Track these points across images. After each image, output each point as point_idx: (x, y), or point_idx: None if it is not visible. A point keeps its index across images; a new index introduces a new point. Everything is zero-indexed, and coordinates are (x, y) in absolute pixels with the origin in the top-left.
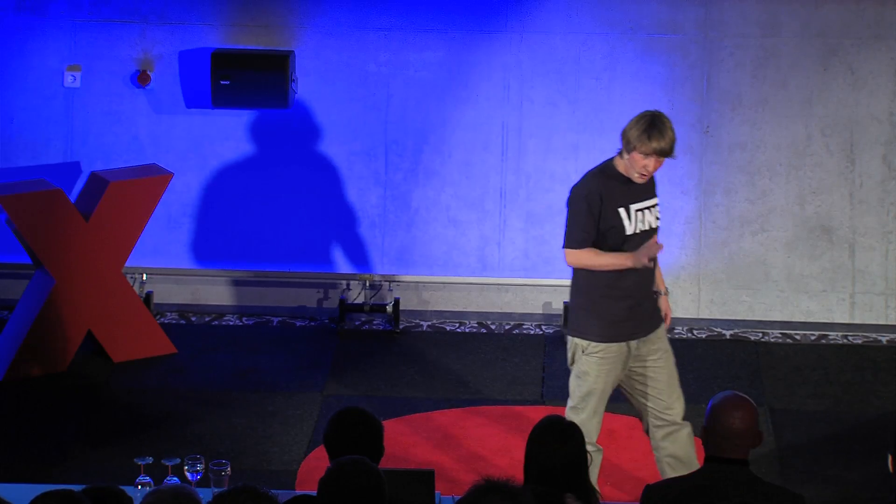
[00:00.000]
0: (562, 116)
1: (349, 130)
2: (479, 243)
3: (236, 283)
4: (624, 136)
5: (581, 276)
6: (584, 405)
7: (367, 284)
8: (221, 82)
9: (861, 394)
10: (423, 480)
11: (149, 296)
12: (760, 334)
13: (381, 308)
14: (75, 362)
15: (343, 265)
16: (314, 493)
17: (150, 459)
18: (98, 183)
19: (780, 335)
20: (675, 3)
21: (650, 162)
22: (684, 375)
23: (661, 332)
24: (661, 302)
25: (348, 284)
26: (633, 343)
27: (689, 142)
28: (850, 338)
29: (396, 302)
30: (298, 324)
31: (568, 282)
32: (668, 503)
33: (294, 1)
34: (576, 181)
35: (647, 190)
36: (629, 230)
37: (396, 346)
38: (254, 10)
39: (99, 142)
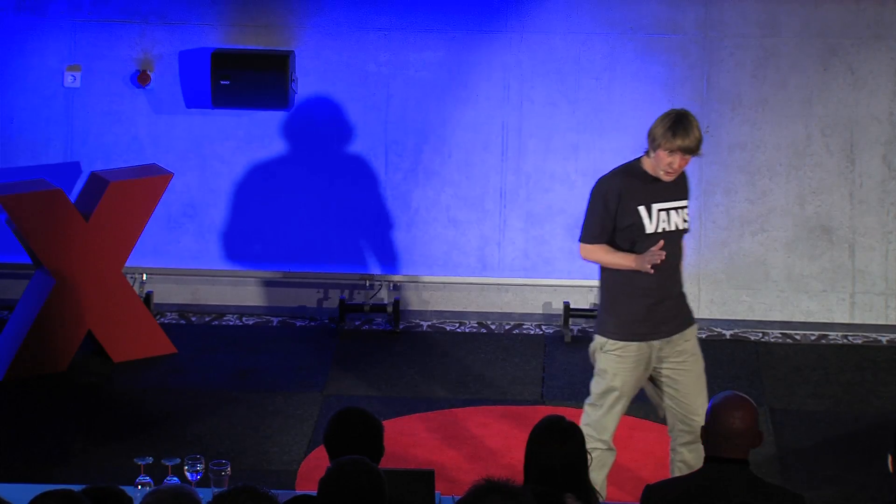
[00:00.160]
0: (562, 116)
1: (349, 130)
2: (479, 243)
3: (236, 283)
4: (650, 134)
5: (603, 274)
6: (601, 402)
7: (367, 284)
8: (221, 82)
9: (861, 394)
10: (423, 480)
11: (149, 296)
12: (760, 334)
13: (381, 308)
14: (75, 362)
15: (343, 265)
16: (314, 493)
17: (150, 459)
18: (98, 183)
19: (780, 335)
20: (675, 3)
21: (675, 159)
22: None
23: (690, 333)
24: None
25: (348, 284)
26: (655, 343)
27: None
28: (850, 338)
29: (396, 302)
30: (298, 324)
31: (568, 282)
32: (668, 503)
33: (294, 1)
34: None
35: (675, 191)
36: (649, 229)
37: (396, 346)
38: (254, 10)
39: (99, 142)
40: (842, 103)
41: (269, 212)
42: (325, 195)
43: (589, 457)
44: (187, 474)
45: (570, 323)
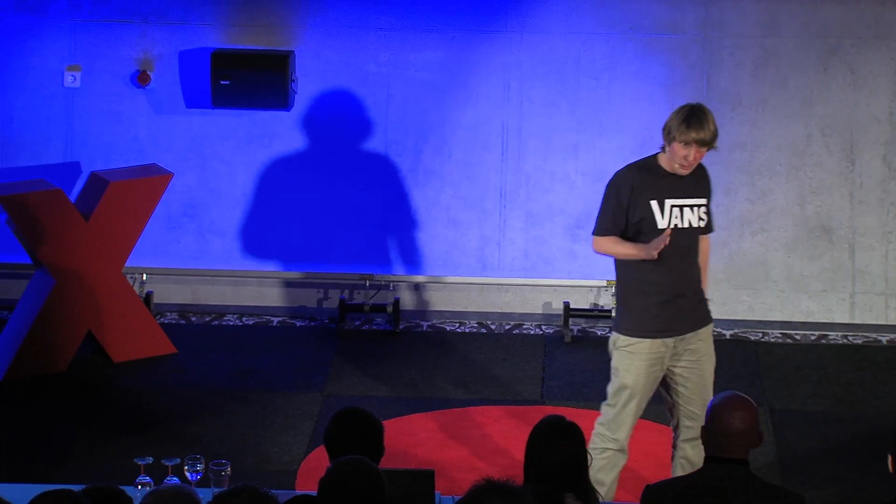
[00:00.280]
0: (562, 116)
1: (349, 130)
2: (479, 243)
3: (236, 283)
4: (665, 127)
5: (618, 271)
6: (615, 401)
7: (367, 284)
8: (221, 82)
9: (861, 394)
10: (423, 480)
11: (149, 296)
12: (760, 334)
13: (381, 308)
14: (75, 362)
15: (343, 265)
16: (314, 493)
17: (150, 459)
18: (98, 183)
19: (780, 335)
20: (675, 3)
21: (690, 152)
22: None
23: (704, 333)
24: None
25: (348, 284)
26: (669, 342)
27: None
28: (850, 338)
29: (396, 302)
30: (298, 324)
31: (568, 282)
32: (668, 503)
33: (294, 1)
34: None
35: (692, 188)
36: (661, 224)
37: (396, 346)
38: (254, 10)
39: (99, 142)
40: (842, 103)
41: (269, 212)
42: (326, 195)
43: (589, 457)
44: (187, 474)
45: (570, 323)
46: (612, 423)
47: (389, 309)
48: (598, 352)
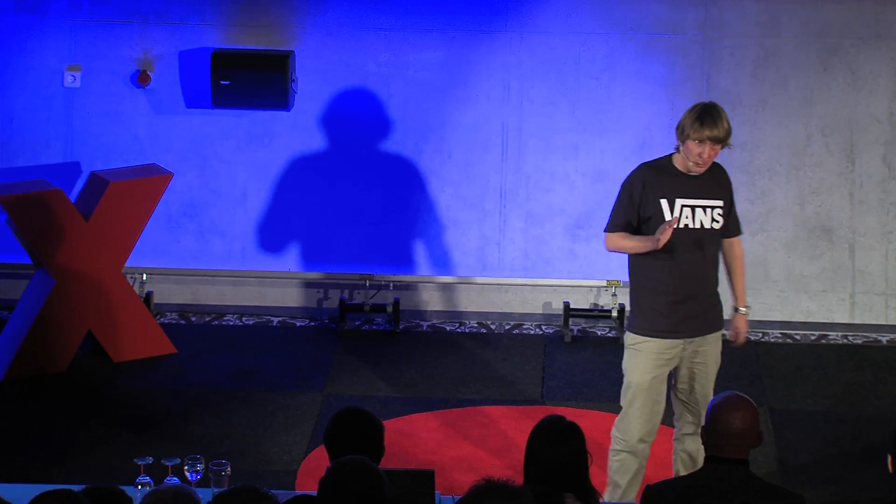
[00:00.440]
0: (562, 116)
1: (349, 130)
2: (479, 243)
3: (236, 283)
4: (678, 126)
5: (630, 270)
6: (623, 401)
7: (367, 284)
8: (221, 82)
9: (861, 394)
10: (423, 480)
11: (149, 296)
12: (760, 334)
13: (381, 308)
14: (75, 362)
15: (343, 265)
16: (314, 493)
17: (150, 459)
18: (98, 183)
19: (780, 335)
20: (675, 3)
21: (705, 149)
22: None
23: (713, 338)
24: (737, 321)
25: (348, 284)
26: (678, 343)
27: None
28: (850, 338)
29: (396, 302)
30: (298, 324)
31: (568, 282)
32: (668, 503)
33: (294, 1)
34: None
35: (707, 189)
36: None
37: (396, 346)
38: (254, 10)
39: (99, 142)
40: (842, 103)
41: (269, 212)
42: (326, 195)
43: (590, 457)
44: (187, 474)
45: (570, 323)
46: (621, 423)
47: (389, 309)
48: (598, 352)
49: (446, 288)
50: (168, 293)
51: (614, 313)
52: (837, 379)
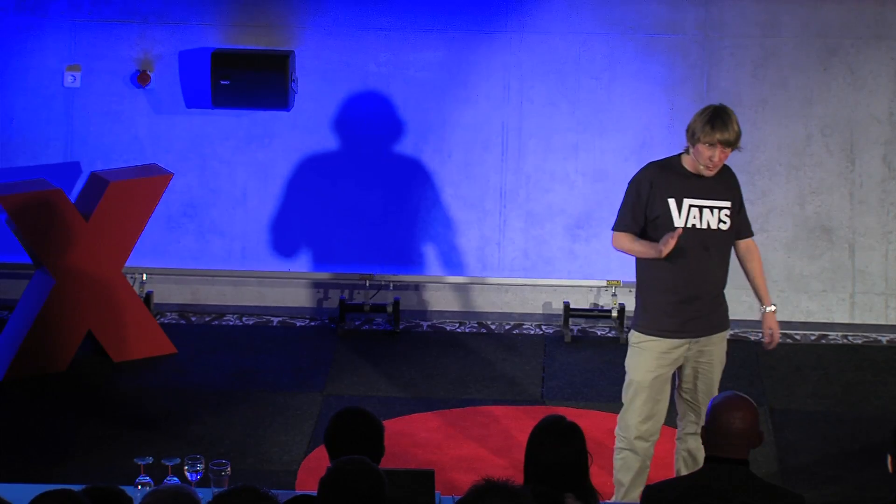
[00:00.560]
0: (562, 116)
1: (349, 130)
2: (479, 243)
3: (236, 283)
4: (688, 129)
5: (637, 269)
6: (625, 398)
7: (367, 284)
8: (221, 82)
9: (861, 394)
10: (423, 480)
11: (149, 296)
12: (760, 334)
13: (381, 308)
14: (75, 362)
15: (343, 265)
16: (314, 493)
17: (150, 459)
18: (98, 183)
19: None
20: (675, 3)
21: (715, 153)
22: None
23: (718, 338)
24: (767, 319)
25: (348, 284)
26: (682, 343)
27: None
28: (850, 338)
29: (396, 302)
30: (298, 324)
31: (568, 282)
32: (668, 503)
33: (294, 1)
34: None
35: (715, 190)
36: (677, 223)
37: (396, 346)
38: (254, 10)
39: (99, 142)
40: (842, 103)
41: (269, 212)
42: (326, 195)
43: (590, 457)
44: (187, 474)
45: (570, 323)
46: (621, 420)
47: (389, 309)
48: (598, 352)
49: (446, 288)
50: (168, 293)
51: (614, 313)
52: (837, 379)
